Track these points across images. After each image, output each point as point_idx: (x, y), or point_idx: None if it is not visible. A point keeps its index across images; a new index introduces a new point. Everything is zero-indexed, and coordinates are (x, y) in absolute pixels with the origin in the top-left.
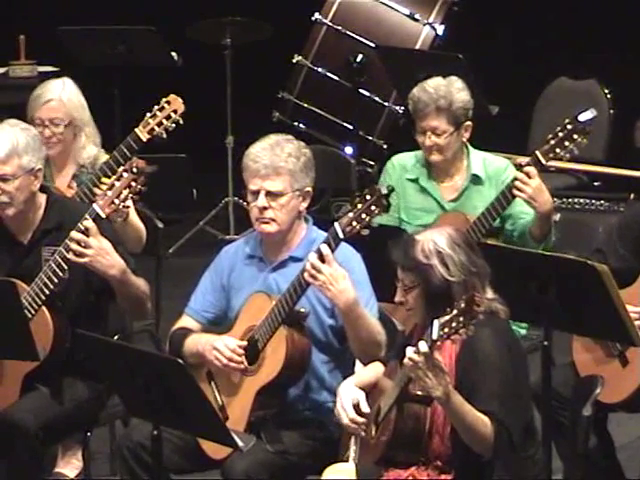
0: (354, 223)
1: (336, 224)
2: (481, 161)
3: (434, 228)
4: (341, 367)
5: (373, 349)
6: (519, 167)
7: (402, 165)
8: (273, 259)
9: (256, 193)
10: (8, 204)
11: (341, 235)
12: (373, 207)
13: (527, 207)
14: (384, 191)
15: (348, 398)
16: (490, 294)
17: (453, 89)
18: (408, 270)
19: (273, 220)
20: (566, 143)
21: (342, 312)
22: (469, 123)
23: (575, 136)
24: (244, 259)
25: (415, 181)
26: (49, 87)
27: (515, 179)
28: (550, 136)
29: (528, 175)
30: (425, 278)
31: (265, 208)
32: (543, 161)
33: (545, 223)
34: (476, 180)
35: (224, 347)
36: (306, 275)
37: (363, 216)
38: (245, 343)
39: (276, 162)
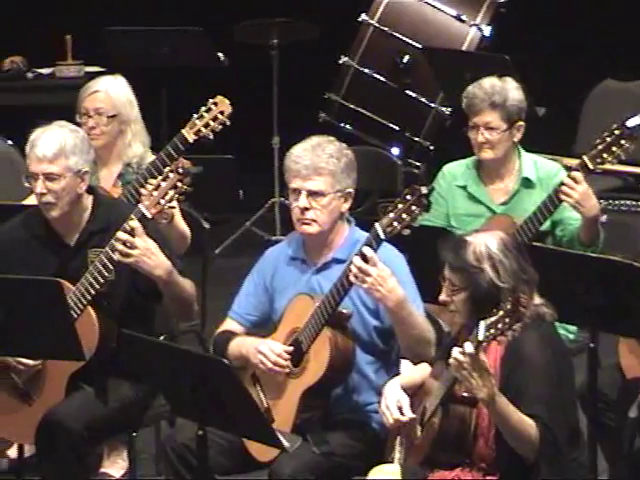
0: (395, 223)
1: (377, 224)
2: (532, 164)
3: (484, 231)
4: (386, 367)
5: (423, 347)
6: (568, 170)
7: (452, 173)
8: (316, 261)
9: (297, 194)
10: (53, 204)
11: (382, 235)
12: (414, 207)
13: (576, 212)
14: (424, 191)
15: (393, 399)
16: (537, 299)
17: (508, 86)
18: (457, 271)
19: (314, 221)
20: (613, 149)
21: (391, 312)
22: (522, 123)
23: (623, 142)
24: (287, 261)
25: (464, 188)
26: (99, 80)
27: (562, 184)
28: (598, 141)
29: (575, 180)
30: (474, 281)
31: (306, 209)
32: (590, 166)
33: (592, 228)
34: (527, 183)
35: (269, 351)
36: (352, 278)
37: (404, 216)
38: (291, 348)
39: (317, 163)
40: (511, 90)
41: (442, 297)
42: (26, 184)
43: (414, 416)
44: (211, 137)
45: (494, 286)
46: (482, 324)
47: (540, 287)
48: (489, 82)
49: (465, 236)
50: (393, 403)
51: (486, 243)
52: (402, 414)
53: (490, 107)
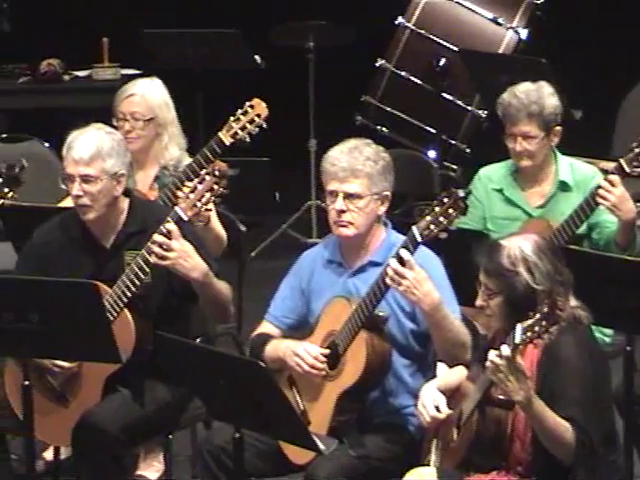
0: (432, 226)
1: (414, 227)
2: (569, 167)
3: (518, 234)
4: (422, 370)
5: (459, 350)
6: (605, 173)
7: (488, 176)
8: (352, 264)
9: (334, 196)
10: (89, 207)
11: (419, 238)
12: (450, 210)
13: (612, 216)
14: (461, 194)
15: (429, 398)
16: (573, 302)
17: (544, 94)
18: (492, 275)
19: (351, 223)
20: None
21: (427, 314)
22: (558, 128)
23: None
24: (323, 264)
25: (500, 191)
26: (134, 83)
27: (598, 187)
28: (634, 144)
29: (612, 183)
30: (510, 285)
31: (343, 211)
32: (627, 169)
33: (629, 231)
34: (564, 187)
35: (305, 353)
36: (389, 280)
37: (441, 219)
38: (327, 350)
39: (354, 165)
40: (547, 97)
41: (478, 302)
42: (62, 186)
43: (451, 412)
44: (248, 140)
45: (530, 289)
46: (519, 327)
47: (576, 290)
48: (524, 90)
49: (499, 240)
50: (429, 402)
51: (520, 246)
52: (438, 412)
53: (527, 117)
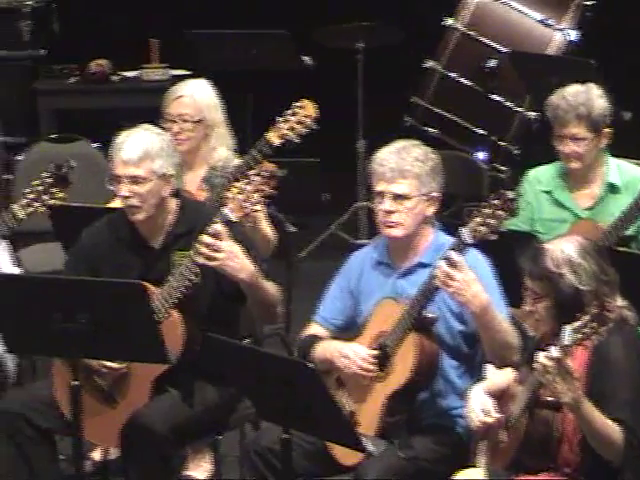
0: (481, 228)
1: (463, 229)
2: (617, 169)
3: (564, 237)
4: (471, 371)
5: (507, 352)
6: None
7: (537, 178)
8: (401, 265)
9: (382, 197)
10: (138, 208)
11: (468, 240)
12: (500, 212)
13: None
14: (511, 195)
15: (477, 402)
16: (620, 302)
17: (592, 96)
18: (537, 279)
19: (399, 224)
20: None
21: (476, 316)
22: (608, 130)
23: None
24: (372, 265)
25: (549, 193)
26: (183, 84)
27: None
28: None
29: None
30: (555, 287)
31: (391, 212)
32: None
33: None
34: (613, 188)
35: (354, 355)
36: (438, 282)
37: (490, 221)
38: (376, 352)
39: (402, 165)
40: (596, 99)
41: (526, 307)
42: (110, 187)
43: (500, 416)
44: (296, 140)
45: (576, 290)
46: (568, 328)
47: (623, 291)
48: (573, 92)
49: (542, 244)
50: (478, 406)
51: (563, 248)
52: (487, 416)
53: (576, 119)
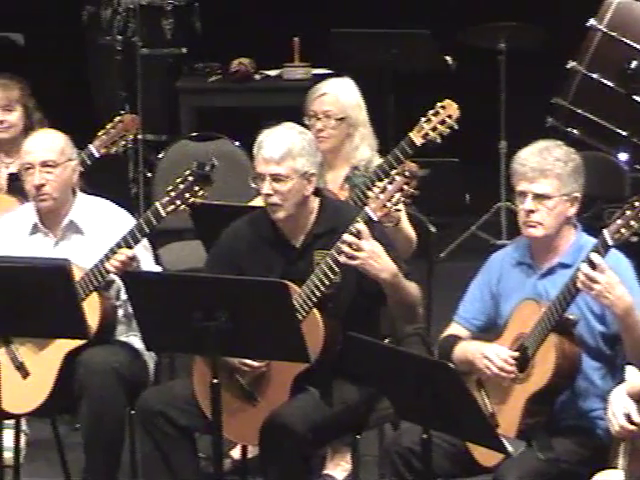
0: (623, 230)
1: (605, 231)
2: None
3: None
4: (612, 373)
5: None
6: None
7: None
8: (542, 265)
9: (523, 196)
10: (279, 206)
11: (610, 242)
12: None
13: None
14: None
15: (619, 406)
16: None
17: None
18: None
19: (540, 224)
20: None
21: (619, 318)
22: None
23: None
24: (513, 266)
25: None
26: (327, 82)
27: None
28: None
29: None
30: None
31: (532, 211)
32: None
33: None
34: None
35: (495, 356)
36: (580, 285)
37: (632, 223)
38: (516, 353)
39: (544, 165)
40: None
41: None
42: (253, 185)
43: None
44: (438, 140)
45: None
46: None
47: None
48: None
49: None
50: (620, 410)
51: None
52: (629, 422)
53: None
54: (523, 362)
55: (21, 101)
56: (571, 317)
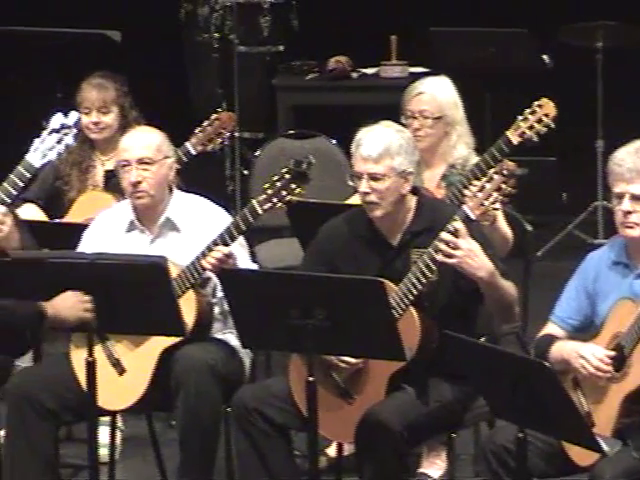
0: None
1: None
2: None
3: None
4: None
5: None
6: None
7: None
8: (638, 265)
9: (621, 197)
10: (376, 204)
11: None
12: None
13: None
14: None
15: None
16: None
17: None
18: None
19: (638, 224)
20: None
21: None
22: None
23: None
24: (609, 265)
25: None
26: (424, 81)
27: None
28: None
29: None
30: None
31: (630, 212)
32: None
33: None
34: None
35: (591, 355)
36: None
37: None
38: (613, 352)
39: None
40: None
41: None
42: (350, 183)
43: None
44: (535, 139)
45: None
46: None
47: None
48: None
49: None
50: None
51: None
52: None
53: None
54: (619, 361)
55: (117, 101)
56: None
